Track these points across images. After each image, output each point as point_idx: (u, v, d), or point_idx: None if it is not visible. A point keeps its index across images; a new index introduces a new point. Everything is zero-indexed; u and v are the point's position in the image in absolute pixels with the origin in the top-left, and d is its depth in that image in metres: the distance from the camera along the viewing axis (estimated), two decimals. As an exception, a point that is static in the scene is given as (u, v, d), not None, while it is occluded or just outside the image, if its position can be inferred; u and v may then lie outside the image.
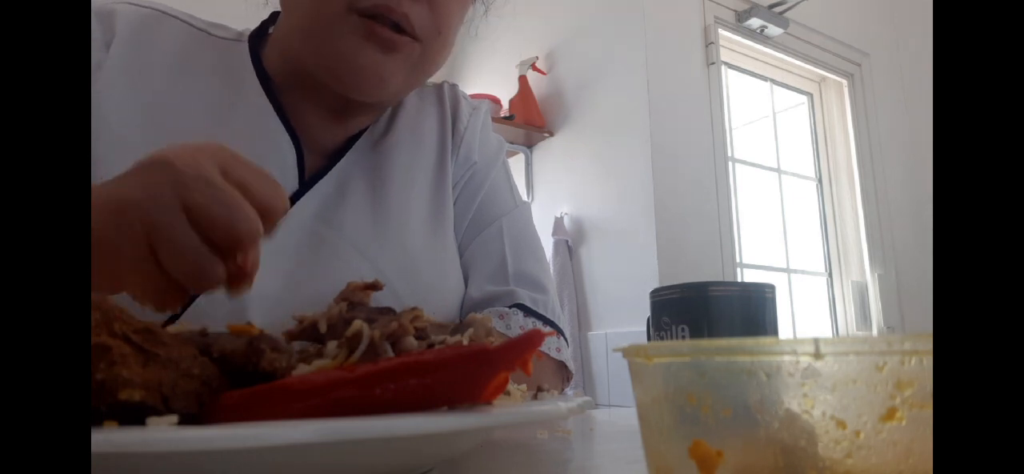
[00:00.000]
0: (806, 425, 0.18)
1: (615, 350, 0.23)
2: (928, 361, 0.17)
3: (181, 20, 0.60)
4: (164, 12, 0.59)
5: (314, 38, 0.53)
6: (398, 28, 0.52)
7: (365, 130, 0.62)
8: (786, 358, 0.18)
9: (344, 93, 0.55)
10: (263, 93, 0.57)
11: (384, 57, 0.52)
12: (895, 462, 0.17)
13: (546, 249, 2.01)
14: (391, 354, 0.27)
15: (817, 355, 0.18)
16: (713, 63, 2.14)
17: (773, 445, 0.18)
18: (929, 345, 0.17)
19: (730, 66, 2.32)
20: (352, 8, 0.51)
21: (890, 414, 0.17)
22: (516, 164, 2.36)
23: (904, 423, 0.17)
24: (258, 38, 0.62)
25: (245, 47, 0.60)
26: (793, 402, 0.18)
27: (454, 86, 0.71)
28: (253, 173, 0.34)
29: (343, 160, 0.59)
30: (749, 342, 0.19)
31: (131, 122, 0.53)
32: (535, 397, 0.36)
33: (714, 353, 0.20)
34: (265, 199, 0.34)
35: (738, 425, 0.19)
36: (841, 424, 0.18)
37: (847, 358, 0.18)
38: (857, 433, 0.18)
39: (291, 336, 0.30)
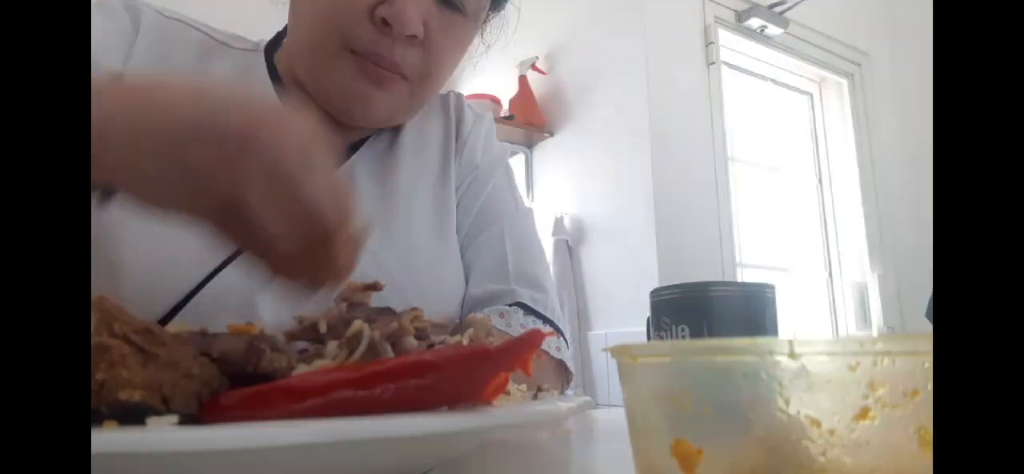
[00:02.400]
0: (782, 424, 0.18)
1: (603, 350, 0.24)
2: (900, 362, 0.18)
3: (201, 31, 0.61)
4: (187, 23, 0.61)
5: (311, 66, 0.57)
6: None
7: (369, 137, 0.63)
8: (762, 359, 0.19)
9: (335, 117, 0.58)
10: (276, 97, 0.59)
11: (374, 89, 0.55)
12: (867, 461, 0.18)
13: (546, 249, 2.01)
14: (391, 354, 0.27)
15: (792, 355, 0.18)
16: (713, 63, 2.14)
17: (752, 444, 0.19)
18: (901, 346, 0.18)
19: (730, 66, 2.32)
20: (346, 47, 0.53)
21: (863, 413, 0.18)
22: (516, 164, 2.36)
23: (876, 422, 0.18)
24: (275, 46, 0.64)
25: (261, 57, 0.62)
26: (770, 401, 0.19)
27: (459, 95, 0.73)
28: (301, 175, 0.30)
29: (348, 162, 0.60)
30: (727, 343, 0.20)
31: None
32: (535, 397, 0.36)
33: (694, 354, 0.20)
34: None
35: (718, 424, 0.20)
36: (815, 423, 0.18)
37: (821, 358, 0.18)
38: (831, 432, 0.18)
39: (291, 336, 0.30)
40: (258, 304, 0.50)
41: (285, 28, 0.66)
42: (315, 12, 0.54)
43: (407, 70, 0.55)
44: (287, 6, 0.60)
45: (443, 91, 0.72)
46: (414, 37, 0.53)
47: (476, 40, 0.65)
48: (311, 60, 0.56)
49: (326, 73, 0.55)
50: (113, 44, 0.54)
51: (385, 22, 0.52)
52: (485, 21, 0.65)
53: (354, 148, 0.62)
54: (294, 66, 0.59)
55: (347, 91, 0.55)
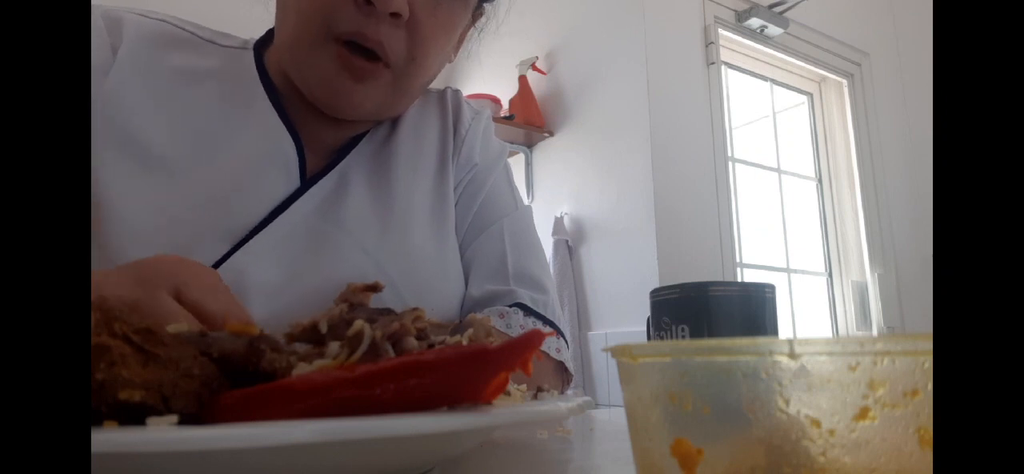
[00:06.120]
0: (782, 424, 0.18)
1: (603, 350, 0.24)
2: (900, 362, 0.18)
3: (187, 31, 0.61)
4: (172, 23, 0.61)
5: (297, 60, 0.56)
6: (372, 55, 0.54)
7: (366, 133, 0.63)
8: (762, 359, 0.19)
9: (325, 112, 0.58)
10: (266, 95, 0.59)
11: (356, 84, 0.55)
12: (867, 461, 0.18)
13: (546, 249, 2.02)
14: (392, 354, 0.27)
15: (791, 355, 0.18)
16: (713, 63, 2.14)
17: (752, 443, 0.19)
18: (900, 346, 0.18)
19: (730, 66, 2.32)
20: (330, 35, 0.53)
21: (863, 413, 0.18)
22: (516, 164, 2.36)
23: (876, 422, 0.18)
24: (264, 45, 0.64)
25: (250, 54, 0.62)
26: (770, 401, 0.19)
27: (457, 92, 0.72)
28: (207, 292, 0.36)
29: (345, 160, 0.60)
30: (727, 342, 0.20)
31: (146, 113, 0.54)
32: (535, 397, 0.36)
33: (694, 353, 0.20)
34: (217, 319, 0.35)
35: (718, 424, 0.20)
36: (815, 423, 0.18)
37: (820, 359, 0.18)
38: (831, 432, 0.18)
39: (292, 337, 0.30)
40: (249, 301, 0.50)
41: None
42: (300, 1, 0.54)
43: (391, 53, 0.54)
44: (270, 2, 0.59)
45: (441, 87, 0.72)
46: (398, 16, 0.53)
47: (466, 24, 0.64)
48: (296, 53, 0.56)
49: (309, 66, 0.55)
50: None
51: (368, 1, 0.52)
52: (477, 8, 0.64)
53: (351, 145, 0.62)
54: (283, 62, 0.59)
55: (329, 84, 0.55)
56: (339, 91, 0.55)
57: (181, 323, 0.26)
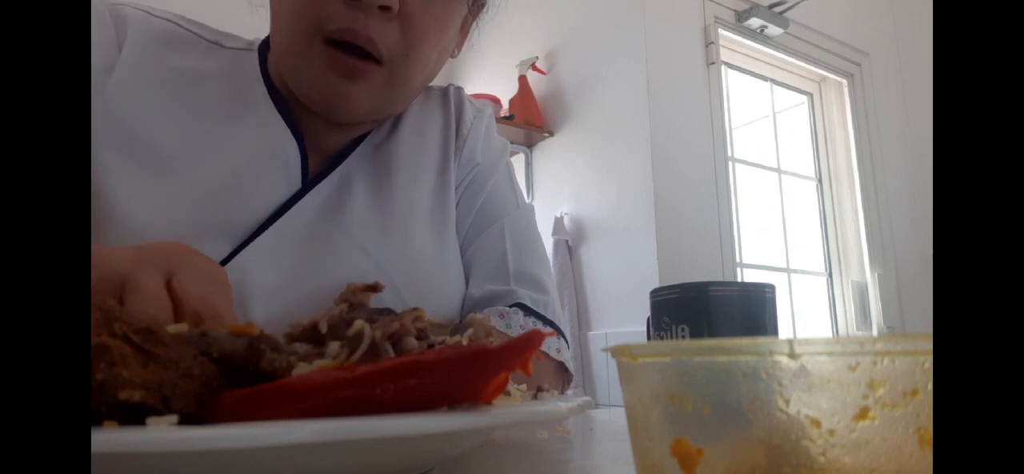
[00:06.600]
0: (782, 424, 0.18)
1: (603, 350, 0.24)
2: (900, 362, 0.18)
3: (193, 32, 0.61)
4: (177, 23, 0.60)
5: (290, 64, 0.56)
6: (364, 53, 0.53)
7: (368, 133, 0.63)
8: (762, 359, 0.19)
9: (323, 115, 0.58)
10: (268, 97, 0.58)
11: (349, 84, 0.54)
12: (867, 461, 0.18)
13: (546, 249, 2.01)
14: (392, 354, 0.27)
15: (791, 355, 0.18)
16: (713, 63, 2.13)
17: (752, 443, 0.19)
18: (900, 346, 0.18)
19: (730, 66, 2.32)
20: (319, 34, 0.52)
21: (863, 413, 0.18)
22: (516, 164, 2.36)
23: (876, 422, 0.18)
24: (269, 47, 0.63)
25: (255, 56, 0.62)
26: (770, 401, 0.19)
27: (459, 89, 0.72)
28: (199, 280, 0.35)
29: (346, 161, 0.60)
30: (727, 342, 0.20)
31: (148, 113, 0.54)
32: (535, 397, 0.36)
33: (694, 353, 0.20)
34: (200, 307, 0.35)
35: (718, 424, 0.20)
36: (815, 423, 0.18)
37: (820, 358, 0.18)
38: (831, 432, 0.18)
39: (292, 337, 0.30)
40: (251, 302, 0.50)
41: None
42: (290, 3, 0.54)
43: (383, 48, 0.53)
44: (267, 8, 0.59)
45: (442, 84, 0.72)
46: (387, 9, 0.52)
47: (465, 16, 0.62)
48: (289, 57, 0.56)
49: (302, 69, 0.55)
50: (97, 54, 0.54)
51: None
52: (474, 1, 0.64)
53: (354, 146, 0.61)
54: (279, 65, 0.59)
55: (323, 87, 0.54)
56: (334, 93, 0.54)
57: (151, 304, 0.26)
